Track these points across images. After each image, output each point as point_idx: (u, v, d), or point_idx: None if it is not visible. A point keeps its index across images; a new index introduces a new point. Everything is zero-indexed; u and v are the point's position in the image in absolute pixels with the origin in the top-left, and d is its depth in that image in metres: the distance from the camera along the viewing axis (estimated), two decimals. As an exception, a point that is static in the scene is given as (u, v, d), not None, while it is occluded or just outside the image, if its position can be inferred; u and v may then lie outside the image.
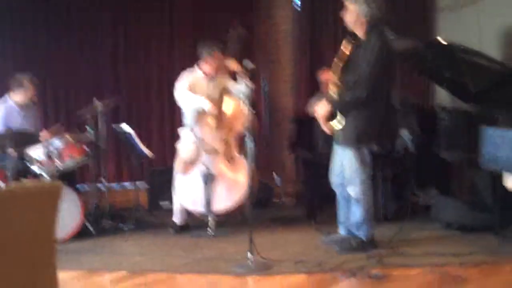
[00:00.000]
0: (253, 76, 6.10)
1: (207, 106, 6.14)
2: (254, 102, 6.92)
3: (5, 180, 5.80)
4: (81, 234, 6.09)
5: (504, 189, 4.80)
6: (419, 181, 6.52)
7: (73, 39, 7.64)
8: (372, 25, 5.11)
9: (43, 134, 6.52)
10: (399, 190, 6.47)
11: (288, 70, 8.15)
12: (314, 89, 7.97)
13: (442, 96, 7.24)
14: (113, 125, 6.62)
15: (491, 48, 6.68)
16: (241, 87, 5.39)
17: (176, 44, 7.81)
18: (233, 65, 6.25)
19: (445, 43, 6.01)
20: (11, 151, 5.85)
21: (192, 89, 6.34)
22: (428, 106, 7.64)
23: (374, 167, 5.61)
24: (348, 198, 5.32)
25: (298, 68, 8.10)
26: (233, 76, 6.63)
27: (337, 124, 5.16)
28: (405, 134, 5.69)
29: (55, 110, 7.65)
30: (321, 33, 8.05)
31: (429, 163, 6.70)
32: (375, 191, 5.67)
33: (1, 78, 7.46)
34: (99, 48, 7.70)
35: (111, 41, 7.72)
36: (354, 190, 5.20)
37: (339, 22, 7.21)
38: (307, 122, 6.65)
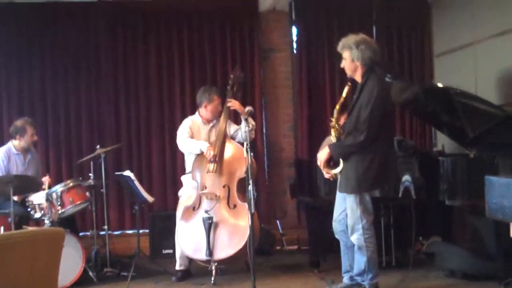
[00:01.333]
0: (252, 117, 6.15)
1: (205, 147, 6.16)
2: (253, 142, 6.98)
3: (7, 226, 5.78)
4: (82, 281, 6.05)
5: (507, 237, 4.75)
6: (421, 227, 6.48)
7: (73, 84, 7.68)
8: (369, 69, 5.15)
9: (45, 180, 6.52)
10: (402, 237, 6.44)
11: (287, 110, 8.20)
12: (313, 131, 8.06)
13: (443, 141, 7.25)
14: (116, 174, 6.62)
15: (488, 92, 6.72)
16: (243, 127, 5.40)
17: (177, 90, 7.84)
18: (234, 104, 6.28)
19: (441, 87, 6.05)
20: (13, 197, 5.84)
21: (192, 134, 6.37)
22: (428, 151, 7.64)
23: (376, 214, 5.59)
24: (350, 246, 5.29)
25: (297, 110, 8.15)
26: (235, 118, 6.68)
27: (338, 170, 5.16)
28: (406, 179, 5.67)
29: (57, 155, 7.64)
30: (318, 75, 8.12)
31: (432, 210, 6.69)
32: (378, 238, 5.63)
33: (2, 125, 7.50)
34: (100, 94, 7.73)
35: (112, 88, 7.76)
36: (356, 237, 5.16)
37: (336, 64, 7.39)
38: (307, 165, 6.64)
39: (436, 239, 6.72)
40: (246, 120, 5.39)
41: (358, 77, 5.21)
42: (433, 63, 8.33)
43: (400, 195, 5.70)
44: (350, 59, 5.16)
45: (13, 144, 6.61)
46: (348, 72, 5.25)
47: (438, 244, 6.48)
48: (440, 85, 6.36)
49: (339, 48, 5.24)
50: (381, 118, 5.02)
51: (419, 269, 6.10)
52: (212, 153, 6.11)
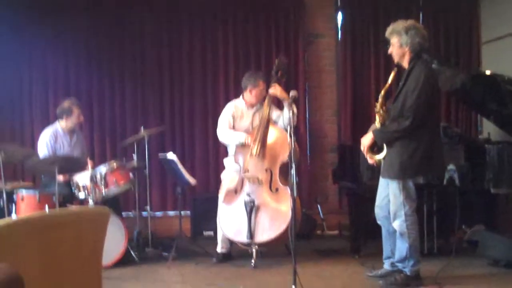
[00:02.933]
0: (295, 103, 6.12)
1: (243, 138, 6.21)
2: (296, 127, 6.95)
3: (51, 205, 5.87)
4: (124, 261, 6.13)
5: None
6: (465, 215, 6.40)
7: (118, 68, 7.74)
8: (416, 55, 5.09)
9: (89, 162, 6.59)
10: (444, 225, 6.37)
11: (330, 95, 8.15)
12: (356, 116, 8.01)
13: (489, 128, 7.13)
14: (159, 154, 6.66)
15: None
16: (286, 113, 5.35)
17: (221, 75, 7.85)
18: (278, 91, 6.26)
19: (489, 74, 5.95)
20: (58, 176, 5.92)
21: (233, 122, 6.38)
22: (474, 138, 7.52)
23: (419, 201, 5.53)
24: (392, 232, 5.25)
25: (340, 95, 8.09)
26: (277, 103, 6.66)
27: (382, 156, 5.12)
28: (451, 167, 5.60)
29: (101, 137, 7.73)
30: (363, 61, 8.05)
31: (476, 197, 6.60)
32: (420, 225, 5.58)
33: (48, 106, 7.62)
34: (145, 77, 7.78)
35: (156, 71, 7.80)
36: (398, 224, 5.12)
37: (381, 49, 7.30)
38: (350, 151, 6.61)
39: (480, 227, 6.63)
40: (289, 106, 5.36)
41: (405, 63, 5.16)
42: (481, 50, 8.18)
43: (444, 182, 5.63)
44: (399, 45, 5.11)
45: (59, 125, 6.70)
46: (396, 58, 5.20)
47: (482, 232, 6.39)
48: (487, 72, 6.24)
49: (387, 34, 5.19)
50: (427, 104, 4.97)
51: (462, 257, 6.02)
52: (250, 139, 6.13)
